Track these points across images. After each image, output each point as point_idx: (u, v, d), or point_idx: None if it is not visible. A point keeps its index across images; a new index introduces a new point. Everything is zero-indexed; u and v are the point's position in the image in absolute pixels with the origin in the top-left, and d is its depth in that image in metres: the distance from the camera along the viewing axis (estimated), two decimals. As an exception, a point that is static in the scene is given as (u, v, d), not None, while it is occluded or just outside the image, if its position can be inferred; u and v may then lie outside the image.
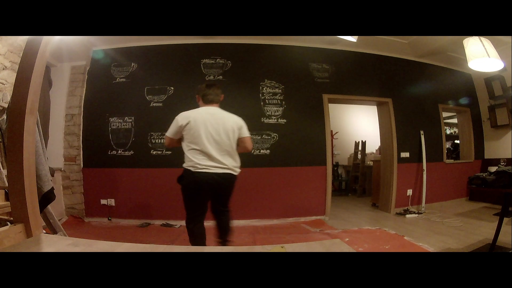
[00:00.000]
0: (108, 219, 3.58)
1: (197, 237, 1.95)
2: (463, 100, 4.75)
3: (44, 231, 1.17)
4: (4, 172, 1.91)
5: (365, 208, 4.49)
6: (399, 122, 4.12)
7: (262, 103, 3.74)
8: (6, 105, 2.05)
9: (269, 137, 3.70)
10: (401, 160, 4.10)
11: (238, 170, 2.04)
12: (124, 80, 3.72)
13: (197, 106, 2.09)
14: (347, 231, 3.09)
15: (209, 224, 2.03)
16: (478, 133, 4.88)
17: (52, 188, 1.57)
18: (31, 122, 1.05)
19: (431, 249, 2.39)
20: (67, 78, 3.70)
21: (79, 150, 3.61)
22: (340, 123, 6.62)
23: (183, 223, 3.47)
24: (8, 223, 1.11)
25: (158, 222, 3.49)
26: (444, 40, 3.70)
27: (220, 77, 3.73)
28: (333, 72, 3.98)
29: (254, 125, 3.69)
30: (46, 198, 1.51)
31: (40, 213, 1.50)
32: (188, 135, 1.90)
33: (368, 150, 5.92)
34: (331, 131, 5.23)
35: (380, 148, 4.57)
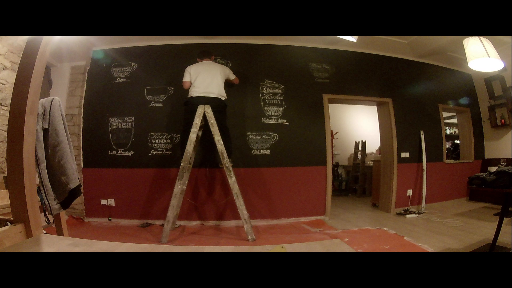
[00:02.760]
0: (108, 219, 3.58)
1: None
2: (463, 100, 4.75)
3: (44, 231, 1.17)
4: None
5: (365, 208, 4.48)
6: (399, 122, 4.12)
7: (262, 103, 3.74)
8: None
9: (269, 137, 3.70)
10: (401, 160, 4.10)
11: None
12: (124, 80, 3.71)
13: None
14: (347, 231, 3.09)
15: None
16: (478, 133, 4.88)
17: (79, 185, 1.67)
18: (31, 122, 1.05)
19: (431, 249, 2.38)
20: (67, 78, 3.70)
21: (79, 150, 3.60)
22: (340, 123, 6.62)
23: (183, 223, 3.49)
24: (8, 223, 1.11)
25: (158, 222, 3.49)
26: (444, 40, 3.70)
27: (220, 77, 3.72)
28: (333, 72, 3.98)
29: (254, 125, 3.69)
30: (73, 193, 1.61)
31: (67, 208, 1.62)
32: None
33: (368, 150, 5.91)
34: (331, 131, 5.23)
35: (380, 148, 4.57)
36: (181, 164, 2.84)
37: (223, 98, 3.09)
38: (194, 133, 2.88)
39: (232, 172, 2.86)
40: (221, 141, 2.89)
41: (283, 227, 3.43)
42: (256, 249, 0.98)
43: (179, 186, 2.81)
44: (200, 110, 2.90)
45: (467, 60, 2.46)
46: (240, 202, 2.84)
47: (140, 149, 3.61)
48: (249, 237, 2.78)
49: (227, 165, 2.86)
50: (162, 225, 3.43)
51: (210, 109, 2.92)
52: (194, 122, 2.88)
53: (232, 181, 2.85)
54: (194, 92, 2.99)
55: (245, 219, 2.81)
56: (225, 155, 2.88)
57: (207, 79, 3.01)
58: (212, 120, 2.90)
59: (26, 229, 1.01)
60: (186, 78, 3.09)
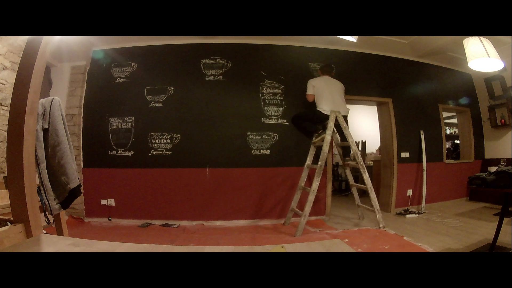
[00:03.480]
0: (108, 219, 3.58)
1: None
2: (463, 100, 4.74)
3: (44, 231, 1.17)
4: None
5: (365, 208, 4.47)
6: (399, 122, 4.12)
7: (262, 103, 3.74)
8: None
9: (269, 137, 3.69)
10: (401, 160, 4.10)
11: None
12: (124, 80, 3.71)
13: None
14: (347, 231, 3.08)
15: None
16: (478, 133, 4.88)
17: (79, 185, 1.68)
18: (31, 122, 1.05)
19: (431, 249, 2.38)
20: (67, 78, 3.70)
21: (79, 150, 3.60)
22: (340, 123, 6.60)
23: (182, 223, 3.49)
24: (8, 223, 1.11)
25: (158, 222, 3.49)
26: (444, 40, 3.70)
27: (220, 77, 3.73)
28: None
29: (254, 125, 3.69)
30: (73, 193, 1.62)
31: (67, 208, 1.63)
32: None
33: (368, 150, 5.92)
34: (331, 131, 5.22)
35: (380, 148, 4.57)
36: (319, 163, 3.08)
37: (347, 114, 3.42)
38: (329, 135, 3.17)
39: (365, 169, 3.20)
40: (355, 143, 3.26)
41: (283, 227, 3.43)
42: (256, 249, 0.98)
43: (317, 183, 3.02)
44: (332, 115, 3.24)
45: (467, 60, 2.46)
46: (373, 195, 3.14)
47: (140, 149, 3.61)
48: (380, 225, 3.05)
49: (361, 164, 3.20)
50: (162, 225, 3.44)
51: (341, 114, 3.28)
52: (329, 125, 3.20)
53: (366, 177, 3.16)
54: (325, 106, 3.28)
55: (377, 209, 3.11)
56: (359, 155, 3.26)
57: (335, 98, 3.34)
58: (344, 124, 3.25)
59: (26, 229, 1.01)
60: (310, 91, 3.39)
